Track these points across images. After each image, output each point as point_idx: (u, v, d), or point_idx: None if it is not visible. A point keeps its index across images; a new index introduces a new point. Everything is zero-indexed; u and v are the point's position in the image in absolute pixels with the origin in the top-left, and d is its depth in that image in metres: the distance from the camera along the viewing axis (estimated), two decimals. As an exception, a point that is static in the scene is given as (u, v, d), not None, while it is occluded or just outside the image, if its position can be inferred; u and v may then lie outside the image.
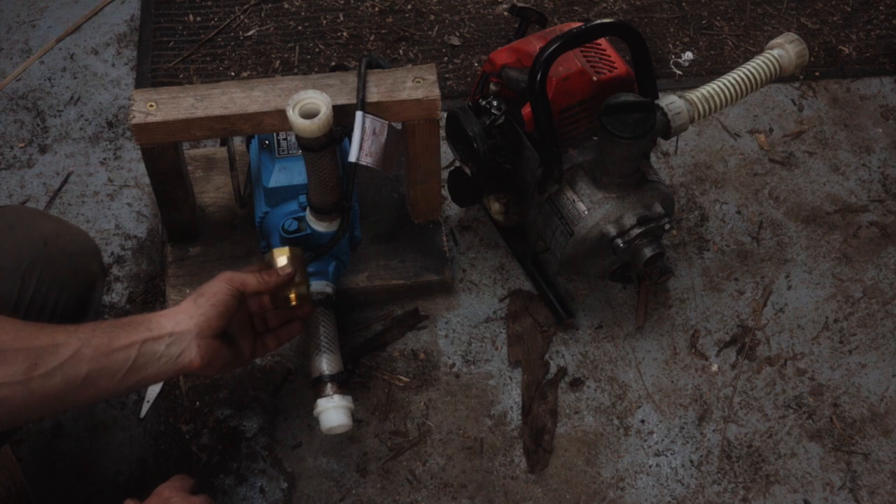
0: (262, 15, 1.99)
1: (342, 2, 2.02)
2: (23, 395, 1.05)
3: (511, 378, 1.57)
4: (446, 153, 1.62)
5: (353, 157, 1.36)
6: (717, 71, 1.81)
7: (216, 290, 1.21)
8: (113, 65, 1.92)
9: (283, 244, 1.44)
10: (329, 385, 1.40)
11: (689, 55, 1.96)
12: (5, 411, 1.05)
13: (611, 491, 1.48)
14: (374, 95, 1.41)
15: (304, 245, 1.44)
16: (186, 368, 1.17)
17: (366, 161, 1.37)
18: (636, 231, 1.45)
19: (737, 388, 1.57)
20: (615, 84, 1.46)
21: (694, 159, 1.82)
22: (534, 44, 1.47)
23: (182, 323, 1.16)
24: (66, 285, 1.22)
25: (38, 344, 1.06)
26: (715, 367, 1.59)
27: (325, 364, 1.42)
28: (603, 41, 1.49)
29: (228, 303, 1.21)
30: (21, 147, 1.81)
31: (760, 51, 1.55)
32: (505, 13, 2.01)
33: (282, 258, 1.36)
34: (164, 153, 1.45)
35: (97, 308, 1.32)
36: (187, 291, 1.57)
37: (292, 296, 1.35)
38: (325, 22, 1.99)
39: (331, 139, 1.32)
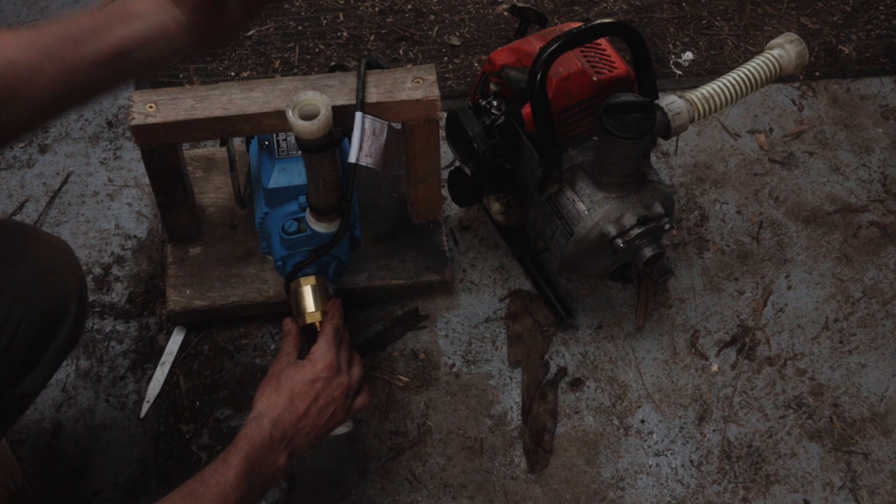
0: (262, 15, 1.99)
1: (342, 2, 2.02)
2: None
3: (511, 378, 1.57)
4: (446, 153, 1.62)
5: (352, 158, 1.36)
6: (717, 71, 1.81)
7: None
8: (113, 65, 1.92)
9: (283, 245, 1.44)
10: (329, 385, 1.41)
11: (689, 55, 1.96)
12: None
13: (611, 491, 1.48)
14: (373, 96, 1.41)
15: (304, 245, 1.44)
16: (170, 26, 1.02)
17: (366, 161, 1.37)
18: (636, 231, 1.45)
19: (737, 388, 1.57)
20: (615, 84, 1.46)
21: (694, 159, 1.82)
22: (534, 44, 1.47)
23: None
24: (32, 304, 1.14)
25: None
26: (715, 367, 1.59)
27: (326, 364, 1.42)
28: (603, 41, 1.49)
29: None
30: (21, 147, 1.81)
31: (760, 51, 1.55)
32: (505, 13, 2.01)
33: (307, 287, 1.42)
34: (163, 154, 1.45)
35: (71, 332, 1.22)
36: (188, 292, 1.57)
37: (317, 325, 1.39)
38: (325, 22, 1.99)
39: (330, 140, 1.32)
